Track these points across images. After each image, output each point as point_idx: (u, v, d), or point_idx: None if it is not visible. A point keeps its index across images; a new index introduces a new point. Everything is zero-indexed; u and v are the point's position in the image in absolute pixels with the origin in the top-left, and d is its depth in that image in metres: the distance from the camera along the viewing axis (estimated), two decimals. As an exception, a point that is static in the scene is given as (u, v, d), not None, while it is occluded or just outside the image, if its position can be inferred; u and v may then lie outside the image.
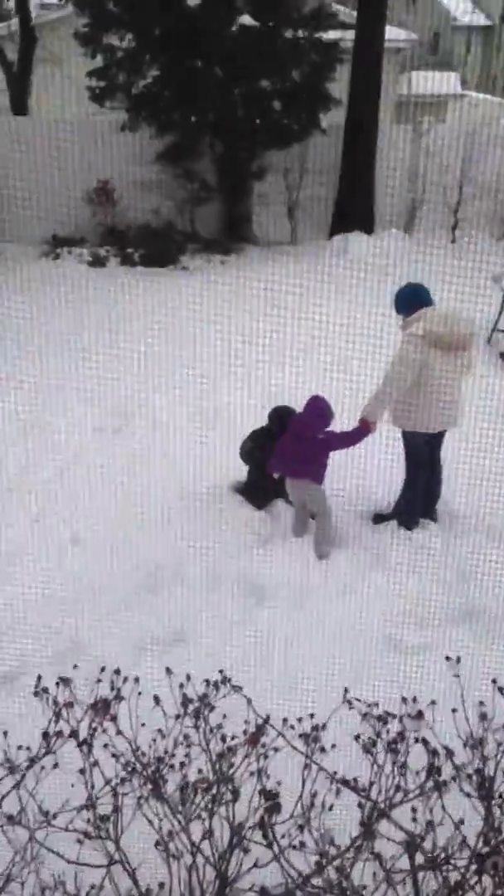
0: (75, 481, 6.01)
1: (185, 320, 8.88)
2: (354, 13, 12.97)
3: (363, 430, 5.08)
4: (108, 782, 2.55)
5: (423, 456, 5.34)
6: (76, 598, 4.67)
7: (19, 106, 15.31)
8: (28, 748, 2.51)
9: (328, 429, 5.15)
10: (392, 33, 15.27)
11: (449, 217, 12.92)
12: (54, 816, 2.49)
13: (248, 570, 4.99)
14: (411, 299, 5.19)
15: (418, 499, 5.42)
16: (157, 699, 2.51)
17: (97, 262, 11.92)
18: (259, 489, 5.68)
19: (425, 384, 5.02)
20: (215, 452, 6.25)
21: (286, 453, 5.19)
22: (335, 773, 2.40)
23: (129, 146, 12.26)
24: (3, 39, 16.68)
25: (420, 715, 2.31)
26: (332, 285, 10.17)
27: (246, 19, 11.23)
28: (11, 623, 4.45)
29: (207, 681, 2.54)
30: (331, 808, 2.41)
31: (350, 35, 12.40)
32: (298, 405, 5.35)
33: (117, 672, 2.55)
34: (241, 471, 5.85)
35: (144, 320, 9.05)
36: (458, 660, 2.55)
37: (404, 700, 2.38)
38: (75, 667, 2.72)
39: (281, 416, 5.55)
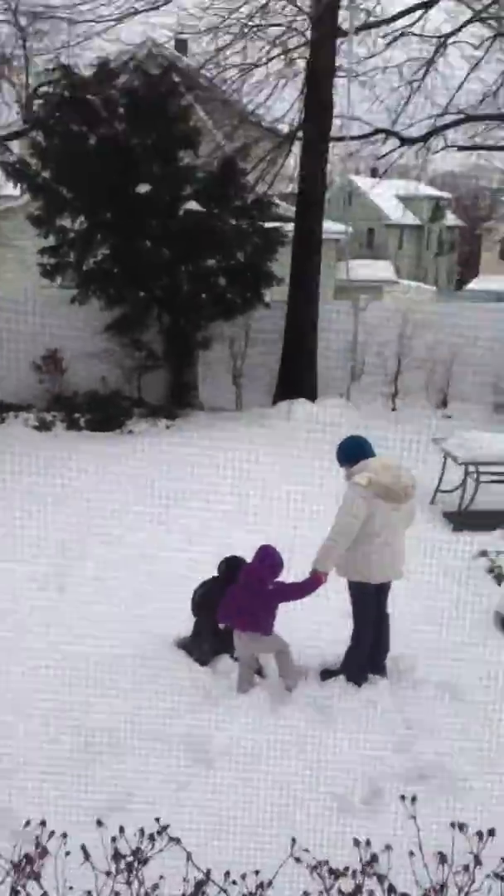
0: (10, 640, 5.74)
1: (129, 479, 8.89)
2: (294, 208, 13.93)
3: (314, 580, 5.01)
4: None
5: (370, 607, 5.26)
6: (8, 763, 4.33)
7: None
8: None
9: (278, 579, 5.07)
10: (329, 226, 16.46)
11: (389, 386, 13.47)
12: None
13: (193, 729, 4.72)
14: (353, 451, 5.28)
15: (366, 652, 5.29)
16: (85, 852, 2.27)
17: (43, 426, 11.98)
18: (203, 643, 5.48)
19: (371, 534, 5.03)
20: (156, 610, 6.07)
21: (235, 604, 5.07)
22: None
23: (78, 317, 12.63)
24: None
25: (374, 859, 2.12)
26: (275, 449, 10.36)
27: (192, 203, 11.94)
28: None
29: (142, 830, 2.31)
30: None
31: (291, 224, 13.27)
32: (247, 559, 5.28)
33: (43, 823, 2.31)
34: (183, 627, 5.67)
35: (87, 479, 9.02)
36: (414, 799, 2.38)
37: (356, 843, 2.19)
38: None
39: (231, 566, 5.46)
